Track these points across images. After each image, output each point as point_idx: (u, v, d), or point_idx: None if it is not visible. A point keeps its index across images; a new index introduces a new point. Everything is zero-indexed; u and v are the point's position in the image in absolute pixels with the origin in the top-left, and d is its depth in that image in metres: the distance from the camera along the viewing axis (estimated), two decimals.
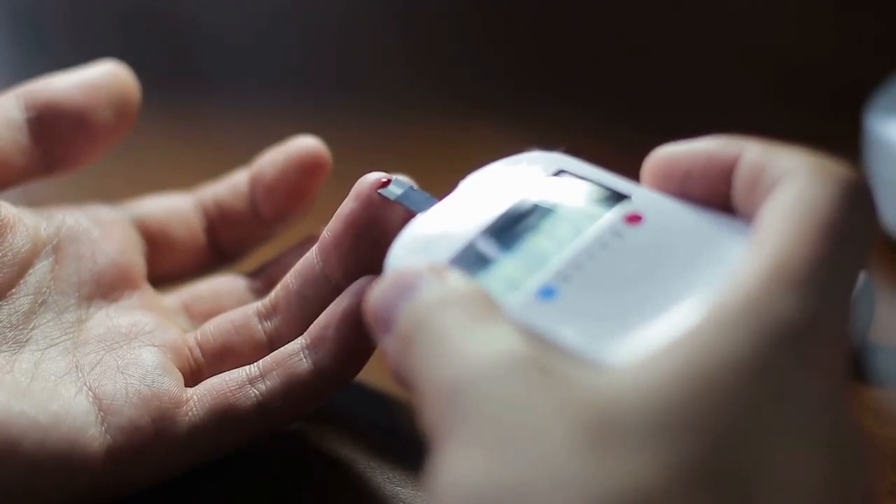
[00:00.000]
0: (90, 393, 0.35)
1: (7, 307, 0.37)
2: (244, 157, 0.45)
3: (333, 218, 0.38)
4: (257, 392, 0.36)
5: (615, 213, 0.33)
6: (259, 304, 0.39)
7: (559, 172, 0.35)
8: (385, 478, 0.38)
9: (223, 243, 0.44)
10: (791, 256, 0.28)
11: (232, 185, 0.44)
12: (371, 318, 0.31)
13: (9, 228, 0.38)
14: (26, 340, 0.37)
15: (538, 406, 0.26)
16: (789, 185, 0.29)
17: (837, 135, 0.55)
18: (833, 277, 0.28)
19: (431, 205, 0.35)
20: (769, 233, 0.28)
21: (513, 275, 0.32)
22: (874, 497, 0.28)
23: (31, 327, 0.37)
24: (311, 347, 0.36)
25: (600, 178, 0.34)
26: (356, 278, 0.37)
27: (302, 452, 0.39)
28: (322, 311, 0.37)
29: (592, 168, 0.35)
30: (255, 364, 0.37)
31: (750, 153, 0.31)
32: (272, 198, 0.43)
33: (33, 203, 0.41)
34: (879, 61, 0.59)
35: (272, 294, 0.39)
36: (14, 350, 0.36)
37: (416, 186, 0.37)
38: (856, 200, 0.29)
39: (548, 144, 0.35)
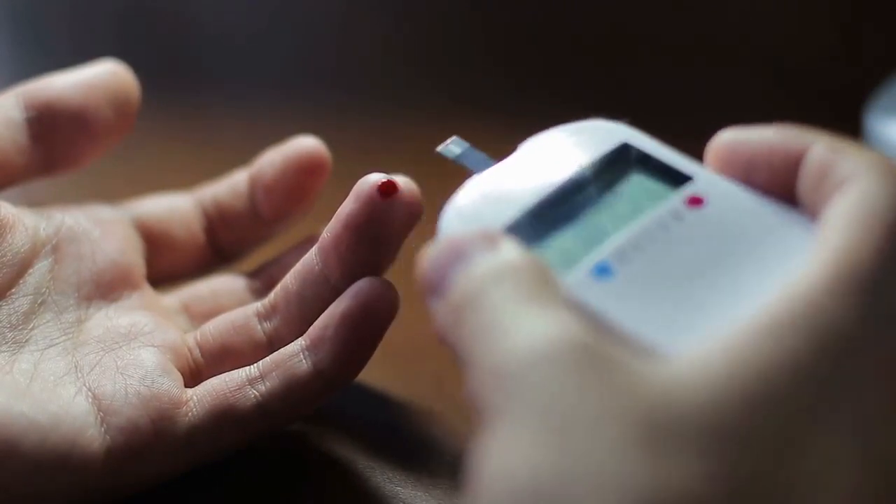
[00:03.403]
0: (89, 393, 0.35)
1: (6, 307, 0.37)
2: (244, 157, 0.45)
3: (333, 219, 0.38)
4: (257, 393, 0.36)
5: (677, 194, 0.32)
6: (259, 305, 0.39)
7: (622, 145, 0.34)
8: (385, 478, 0.38)
9: (223, 243, 0.44)
10: (855, 263, 0.27)
11: (231, 185, 0.44)
12: (422, 280, 0.30)
13: (8, 228, 0.38)
14: (26, 341, 0.37)
15: (589, 398, 0.25)
16: (854, 187, 0.29)
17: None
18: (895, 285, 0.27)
19: (490, 166, 0.34)
20: (833, 234, 0.28)
21: (569, 249, 0.31)
22: None
23: (30, 327, 0.37)
24: (311, 348, 0.36)
25: (664, 155, 0.33)
26: (356, 279, 0.37)
27: (302, 452, 0.39)
28: (322, 311, 0.37)
29: (656, 143, 0.33)
30: (255, 365, 0.37)
31: (817, 149, 0.30)
32: (272, 198, 0.43)
33: (33, 203, 0.41)
34: (879, 61, 0.59)
35: (272, 295, 0.39)
36: (13, 350, 0.36)
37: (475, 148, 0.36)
38: None
39: (612, 114, 0.34)
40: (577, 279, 0.30)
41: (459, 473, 0.38)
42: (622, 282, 0.30)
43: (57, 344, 0.37)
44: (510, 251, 0.29)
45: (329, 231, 0.37)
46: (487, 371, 0.27)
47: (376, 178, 0.37)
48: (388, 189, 0.37)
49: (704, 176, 0.32)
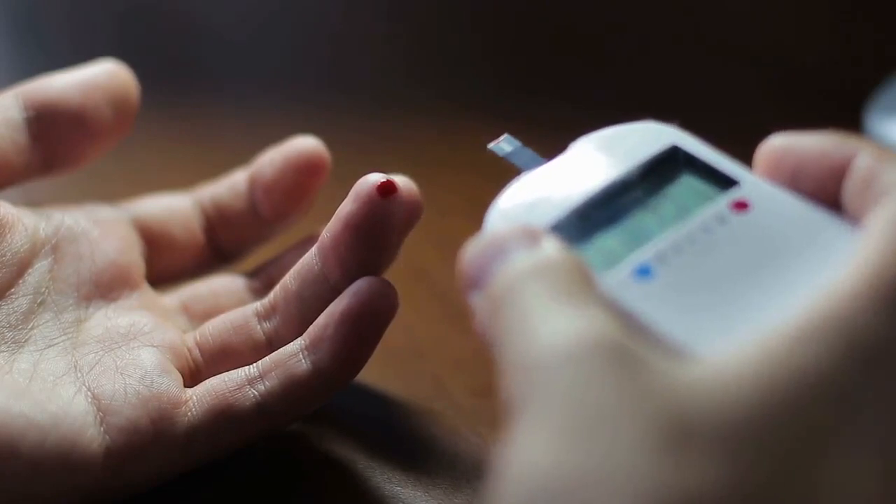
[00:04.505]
0: (89, 393, 0.35)
1: (6, 307, 0.37)
2: (244, 157, 0.45)
3: (332, 219, 0.37)
4: (256, 393, 0.36)
5: (722, 198, 0.32)
6: (258, 305, 0.39)
7: (672, 147, 0.33)
8: (385, 478, 0.38)
9: (222, 243, 0.44)
10: (889, 274, 0.27)
11: (231, 184, 0.44)
12: (463, 273, 0.30)
13: (8, 228, 0.38)
14: (25, 341, 0.37)
15: (613, 398, 0.25)
16: (893, 200, 0.29)
17: None
18: None
19: (539, 165, 0.34)
20: (870, 244, 0.28)
21: (611, 249, 0.31)
22: None
23: (29, 327, 0.37)
24: (310, 348, 0.36)
25: (711, 158, 0.33)
26: (355, 279, 0.37)
27: (302, 452, 0.39)
28: (321, 311, 0.37)
29: (705, 147, 0.33)
30: (255, 365, 0.37)
31: (863, 157, 0.30)
32: (271, 198, 0.43)
33: (33, 203, 0.41)
34: (879, 61, 0.59)
35: (271, 294, 0.39)
36: (13, 350, 0.36)
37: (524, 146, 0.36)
38: None
39: (662, 117, 0.34)
40: (616, 279, 0.30)
41: (459, 473, 0.38)
42: (661, 284, 0.30)
43: (56, 344, 0.37)
44: (550, 249, 0.29)
45: (328, 231, 0.37)
46: (516, 367, 0.27)
47: (375, 178, 0.37)
48: (387, 189, 0.37)
49: (751, 181, 0.32)
